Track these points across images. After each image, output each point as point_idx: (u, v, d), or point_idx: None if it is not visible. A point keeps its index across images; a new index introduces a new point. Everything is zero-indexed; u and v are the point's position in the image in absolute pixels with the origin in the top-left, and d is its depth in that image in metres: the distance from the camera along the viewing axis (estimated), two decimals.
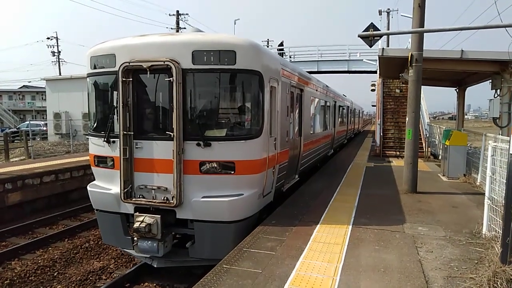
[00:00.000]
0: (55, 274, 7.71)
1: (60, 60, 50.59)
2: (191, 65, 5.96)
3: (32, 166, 13.58)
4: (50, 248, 9.03)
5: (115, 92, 6.40)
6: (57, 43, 50.42)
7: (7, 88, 62.90)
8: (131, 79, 6.21)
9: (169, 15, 38.10)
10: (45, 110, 33.42)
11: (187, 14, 37.80)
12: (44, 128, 30.90)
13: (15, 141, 27.54)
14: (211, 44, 6.06)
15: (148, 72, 6.07)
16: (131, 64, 6.10)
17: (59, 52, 50.58)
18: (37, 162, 15.19)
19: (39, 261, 8.20)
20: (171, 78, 5.92)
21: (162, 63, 5.94)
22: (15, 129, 34.99)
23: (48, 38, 50.26)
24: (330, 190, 9.59)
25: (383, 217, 7.20)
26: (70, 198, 13.14)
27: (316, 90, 11.98)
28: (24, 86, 64.52)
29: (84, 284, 7.34)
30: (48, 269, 7.90)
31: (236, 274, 4.68)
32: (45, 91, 32.25)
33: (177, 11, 37.77)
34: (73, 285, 7.28)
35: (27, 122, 30.38)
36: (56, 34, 50.54)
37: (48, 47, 50.25)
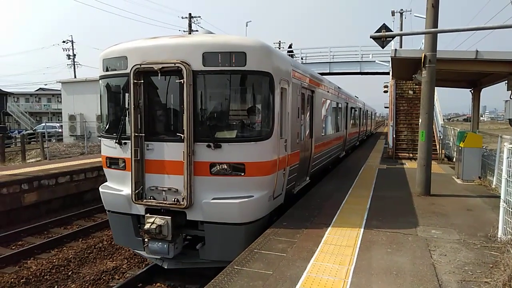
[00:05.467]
0: (70, 274, 7.85)
1: (76, 63, 51.54)
2: (202, 67, 5.98)
3: (48, 167, 13.86)
4: (64, 248, 9.19)
5: (126, 94, 6.45)
6: (73, 47, 51.38)
7: (24, 91, 64.34)
8: (142, 81, 6.25)
9: (182, 17, 38.52)
10: (61, 112, 34.02)
11: (199, 16, 38.15)
12: (60, 130, 31.51)
13: (31, 143, 28.11)
14: (221, 45, 6.06)
15: (159, 74, 6.10)
16: (142, 66, 6.13)
17: (74, 55, 51.53)
18: (53, 163, 15.49)
19: (54, 261, 8.36)
20: (181, 80, 5.94)
21: (173, 65, 5.96)
22: (32, 131, 35.78)
23: (63, 42, 51.28)
24: (342, 192, 9.53)
25: (396, 220, 7.13)
26: (85, 199, 13.36)
27: (328, 92, 11.90)
28: (40, 88, 65.89)
29: (97, 284, 7.45)
30: (63, 268, 8.05)
31: (247, 275, 4.70)
32: (60, 94, 32.83)
33: (190, 14, 38.11)
34: (87, 284, 7.39)
35: (43, 124, 31.06)
36: (72, 38, 51.51)
37: (63, 50, 51.26)
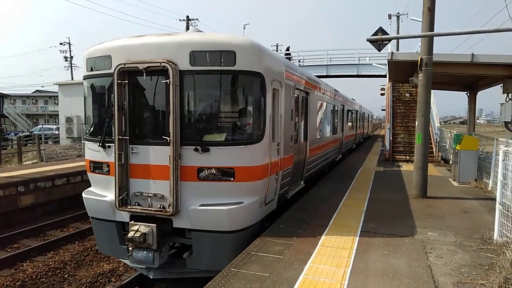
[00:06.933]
0: (66, 276, 7.83)
1: (73, 65, 51.46)
2: (189, 67, 5.72)
3: (44, 169, 13.81)
4: (61, 250, 9.16)
5: (111, 95, 6.14)
6: (70, 48, 51.32)
7: (21, 93, 64.10)
8: (126, 81, 5.97)
9: (179, 20, 38.57)
10: (58, 114, 33.94)
11: (197, 19, 38.22)
12: (56, 132, 31.35)
13: (28, 145, 27.99)
14: (209, 44, 5.80)
15: (144, 74, 5.81)
16: (126, 65, 5.86)
17: (71, 57, 51.46)
18: (49, 165, 15.44)
19: (50, 263, 8.32)
20: (167, 80, 5.67)
21: (158, 64, 5.69)
22: (28, 133, 35.64)
23: (61, 44, 51.21)
24: (339, 194, 9.55)
25: (392, 222, 7.15)
26: (81, 201, 13.26)
27: (323, 94, 11.80)
28: (37, 90, 65.71)
29: (94, 286, 7.44)
30: (59, 271, 8.02)
31: (244, 278, 4.70)
32: (57, 96, 32.74)
33: (187, 16, 38.21)
34: (83, 287, 7.38)
35: (40, 126, 30.90)
36: (69, 40, 51.48)
37: (61, 52, 51.19)
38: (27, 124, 48.54)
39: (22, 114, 51.90)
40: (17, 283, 7.39)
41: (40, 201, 11.93)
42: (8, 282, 7.38)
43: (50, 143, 27.37)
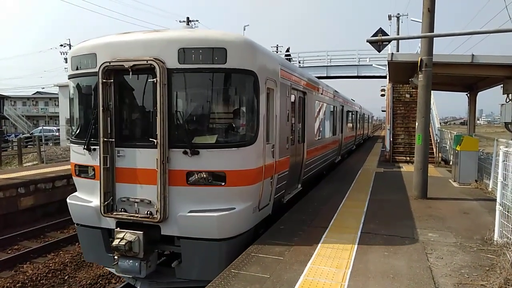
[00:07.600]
0: (66, 278, 7.84)
1: None
2: (177, 65, 5.43)
3: (45, 170, 13.81)
4: (61, 252, 9.17)
5: (97, 95, 5.79)
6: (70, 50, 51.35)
7: (21, 94, 64.19)
8: (112, 80, 5.67)
9: (180, 21, 38.62)
10: (58, 116, 34.04)
11: (197, 20, 38.23)
12: (57, 134, 31.43)
13: (28, 146, 28.02)
14: (199, 41, 5.51)
15: (131, 73, 5.52)
16: (111, 64, 5.56)
17: None
18: (50, 167, 15.44)
19: (51, 265, 8.33)
20: (155, 79, 5.38)
21: (145, 62, 5.40)
22: (29, 135, 35.69)
23: (61, 45, 51.22)
24: (339, 195, 9.54)
25: (393, 223, 7.14)
26: None
27: (321, 94, 11.60)
28: (37, 92, 65.81)
29: None
30: (59, 272, 8.02)
31: (244, 279, 4.69)
32: (58, 97, 32.82)
33: (187, 18, 38.18)
34: None
35: (40, 128, 31.00)
36: (69, 41, 51.45)
37: (61, 54, 51.16)
38: (27, 125, 48.66)
39: (23, 116, 52.03)
40: (17, 285, 7.40)
41: (40, 203, 11.93)
42: (8, 284, 7.39)
43: (51, 144, 27.40)
